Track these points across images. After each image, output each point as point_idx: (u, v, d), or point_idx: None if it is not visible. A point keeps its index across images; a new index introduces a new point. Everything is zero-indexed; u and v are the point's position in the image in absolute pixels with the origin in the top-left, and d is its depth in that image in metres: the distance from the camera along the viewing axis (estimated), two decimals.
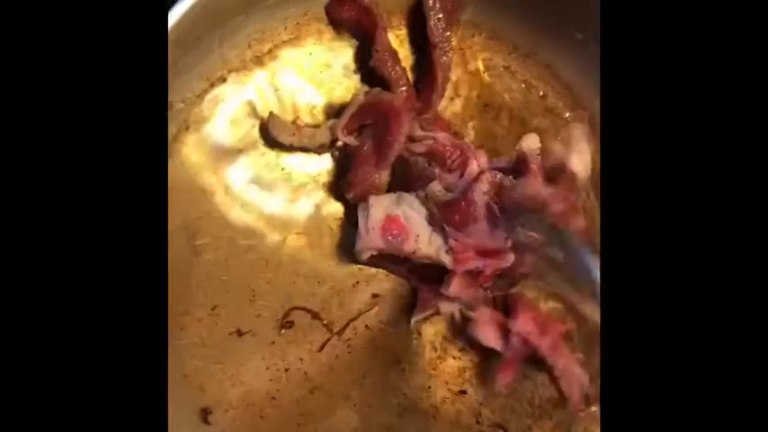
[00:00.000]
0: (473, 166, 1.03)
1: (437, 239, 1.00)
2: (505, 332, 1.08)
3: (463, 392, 1.11)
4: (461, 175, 1.03)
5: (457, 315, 1.07)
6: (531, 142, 1.12)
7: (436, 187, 1.00)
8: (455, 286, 1.01)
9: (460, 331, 1.09)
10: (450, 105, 1.16)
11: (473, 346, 1.10)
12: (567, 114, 1.21)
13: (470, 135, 1.16)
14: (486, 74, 1.19)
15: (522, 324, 1.06)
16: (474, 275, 1.02)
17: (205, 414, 1.01)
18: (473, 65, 1.18)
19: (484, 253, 0.99)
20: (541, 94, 1.21)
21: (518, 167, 1.07)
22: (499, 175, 1.01)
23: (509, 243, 0.98)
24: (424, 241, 1.00)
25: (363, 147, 1.04)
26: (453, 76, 1.16)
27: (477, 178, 0.99)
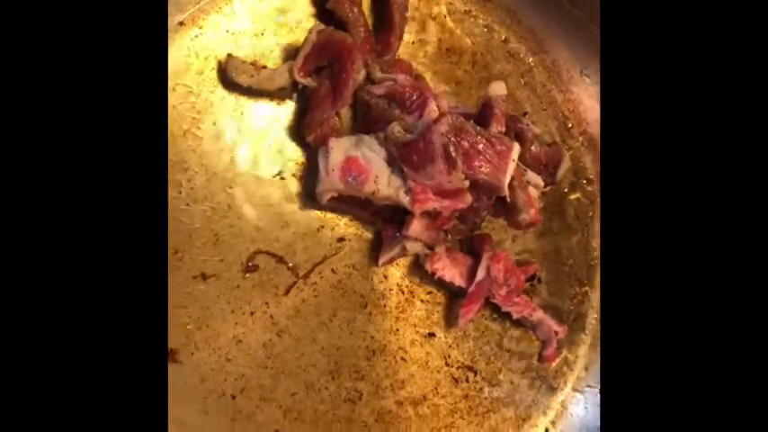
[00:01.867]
0: (432, 107, 1.03)
1: (396, 180, 1.00)
2: (468, 269, 1.09)
3: (432, 335, 1.12)
4: (420, 116, 1.03)
5: (422, 254, 1.07)
6: (497, 89, 1.13)
7: (395, 128, 1.00)
8: (415, 227, 1.02)
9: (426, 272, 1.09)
10: (411, 50, 1.16)
11: (439, 287, 1.11)
12: (530, 59, 1.22)
13: (433, 79, 1.16)
14: (447, 18, 1.19)
15: (487, 260, 1.07)
16: (434, 217, 1.03)
17: (172, 354, 1.01)
18: (435, 9, 1.18)
19: (442, 193, 0.99)
20: (504, 38, 1.21)
21: (483, 113, 1.08)
22: (460, 119, 1.01)
23: (467, 184, 0.98)
24: (384, 182, 1.00)
25: (320, 88, 1.04)
26: (415, 21, 1.16)
27: (437, 120, 0.98)
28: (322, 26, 1.04)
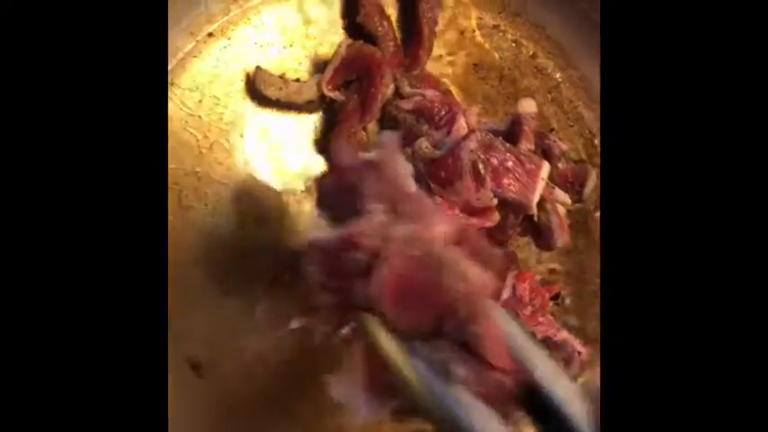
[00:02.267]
0: (461, 123, 1.02)
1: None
2: (494, 290, 1.07)
3: None
4: (449, 132, 1.02)
5: None
6: (527, 106, 1.12)
7: (423, 144, 0.99)
8: None
9: None
10: (440, 65, 1.15)
11: None
12: (558, 75, 1.21)
13: (460, 94, 1.15)
14: (476, 33, 1.18)
15: (512, 279, 1.06)
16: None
17: (196, 368, 1.00)
18: (463, 24, 1.18)
19: (469, 211, 0.98)
20: (531, 53, 1.20)
21: (512, 130, 1.06)
22: (489, 136, 1.00)
23: (495, 202, 0.97)
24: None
25: (348, 102, 1.04)
26: (444, 36, 1.16)
27: (465, 136, 0.98)
28: (351, 40, 1.04)
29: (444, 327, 0.70)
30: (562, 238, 1.05)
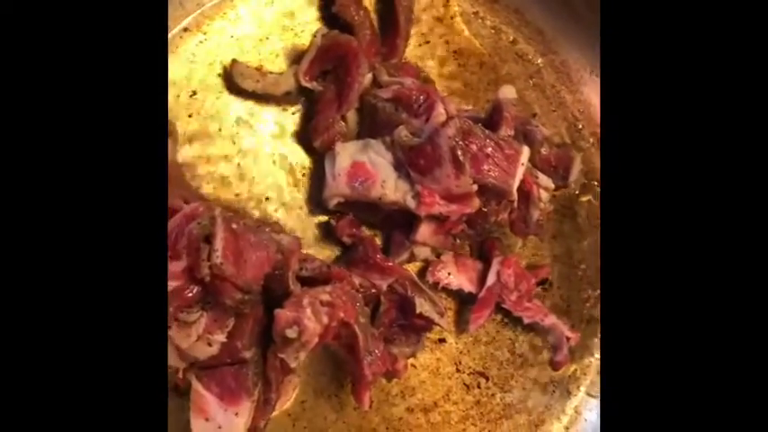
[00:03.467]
0: (439, 110, 1.01)
1: (403, 185, 0.99)
2: (478, 275, 1.07)
3: (442, 341, 1.10)
4: (428, 120, 1.01)
5: (430, 258, 1.06)
6: (507, 92, 1.12)
7: (402, 132, 0.99)
8: (422, 232, 1.01)
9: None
10: (419, 52, 1.15)
11: (449, 293, 1.10)
12: (539, 60, 1.20)
13: (440, 82, 1.15)
14: (455, 20, 1.17)
15: (497, 265, 1.06)
16: (442, 221, 1.01)
17: None
18: (442, 11, 1.17)
19: (449, 198, 0.98)
20: (511, 39, 1.20)
21: (492, 116, 1.06)
22: (468, 122, 1.00)
23: (475, 188, 0.97)
24: (390, 187, 0.99)
25: (326, 92, 1.03)
26: (422, 24, 1.15)
27: (444, 123, 0.97)
28: (327, 30, 1.03)
29: None
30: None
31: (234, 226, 0.90)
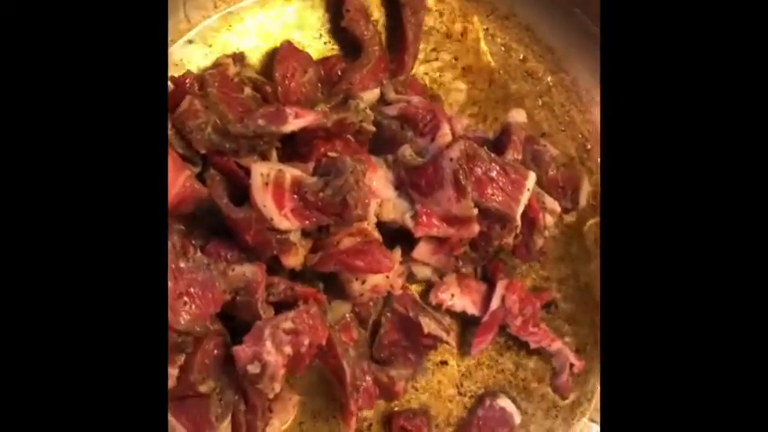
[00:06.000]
0: (445, 131, 1.00)
1: (402, 204, 0.97)
2: (482, 297, 1.06)
3: (444, 363, 1.09)
4: (433, 140, 1.00)
5: (433, 279, 1.05)
6: (517, 116, 1.10)
7: (407, 151, 0.98)
8: (421, 250, 0.99)
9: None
10: (428, 69, 1.14)
11: (452, 314, 1.08)
12: (549, 79, 1.18)
13: (448, 99, 1.13)
14: (464, 37, 1.16)
15: (501, 290, 1.04)
16: (443, 242, 0.99)
17: None
18: (451, 28, 1.16)
19: (448, 221, 0.96)
20: (521, 57, 1.18)
21: (501, 139, 1.05)
22: (474, 145, 0.98)
23: (475, 212, 0.95)
24: (388, 206, 0.97)
25: None
26: (432, 40, 1.14)
27: (448, 145, 0.95)
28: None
29: None
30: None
31: (182, 265, 0.87)
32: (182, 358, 0.90)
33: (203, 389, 0.91)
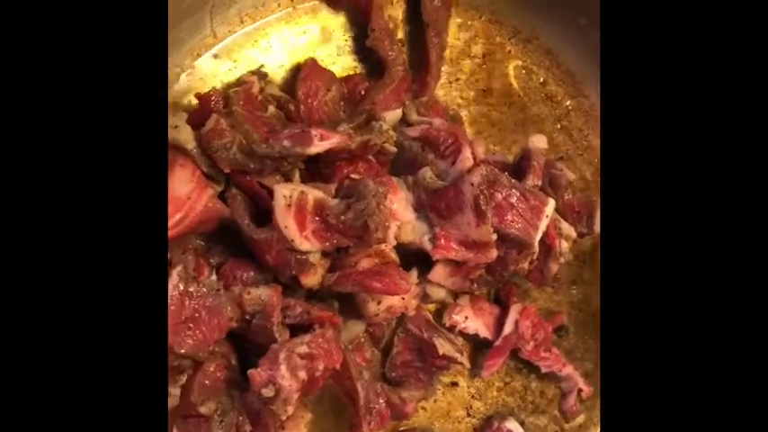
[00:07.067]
0: (466, 154, 1.00)
1: (421, 226, 0.97)
2: (495, 320, 1.06)
3: (454, 384, 1.09)
4: (453, 163, 1.00)
5: (447, 300, 1.05)
6: (538, 141, 1.10)
7: (427, 173, 0.98)
8: (437, 273, 0.99)
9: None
10: (448, 89, 1.14)
11: (464, 336, 1.08)
12: (568, 102, 1.19)
13: (468, 120, 1.14)
14: (486, 58, 1.16)
15: (515, 314, 1.04)
16: (460, 265, 0.99)
17: None
18: (473, 49, 1.16)
19: (467, 245, 0.96)
20: (542, 80, 1.18)
21: (521, 164, 1.05)
22: (495, 170, 0.98)
23: (494, 238, 0.95)
24: (407, 228, 0.97)
25: None
26: (453, 62, 1.14)
27: (470, 170, 0.95)
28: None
29: None
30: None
31: (191, 289, 0.87)
32: (183, 377, 0.91)
33: (203, 410, 0.90)
